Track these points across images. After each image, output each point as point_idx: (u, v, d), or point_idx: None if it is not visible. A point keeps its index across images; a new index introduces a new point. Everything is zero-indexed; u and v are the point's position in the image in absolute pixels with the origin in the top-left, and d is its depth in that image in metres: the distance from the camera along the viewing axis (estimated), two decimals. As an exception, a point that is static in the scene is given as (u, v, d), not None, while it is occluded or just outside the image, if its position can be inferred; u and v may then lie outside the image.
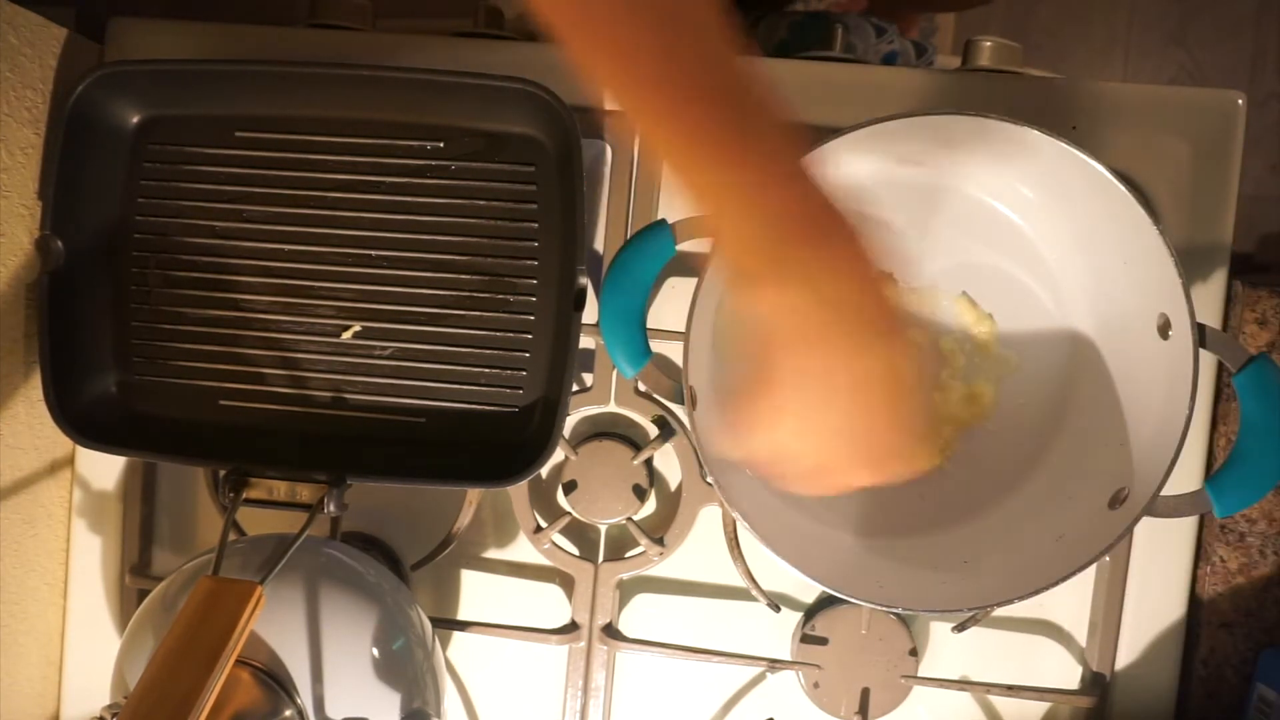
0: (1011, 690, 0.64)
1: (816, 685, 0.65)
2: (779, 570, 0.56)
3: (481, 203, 0.63)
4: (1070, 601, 0.65)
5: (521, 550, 0.68)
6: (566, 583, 0.67)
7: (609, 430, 0.67)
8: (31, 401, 0.66)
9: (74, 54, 0.67)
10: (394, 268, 0.64)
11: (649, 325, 0.58)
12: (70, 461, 0.70)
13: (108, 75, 0.61)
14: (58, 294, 0.62)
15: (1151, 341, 0.56)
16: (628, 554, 0.67)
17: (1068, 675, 0.66)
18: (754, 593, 0.65)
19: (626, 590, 0.68)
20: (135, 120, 0.64)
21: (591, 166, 0.65)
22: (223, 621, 0.49)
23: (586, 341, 0.64)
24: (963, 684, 0.65)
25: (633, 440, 0.66)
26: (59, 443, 0.69)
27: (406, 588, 0.61)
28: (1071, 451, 0.61)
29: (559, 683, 0.67)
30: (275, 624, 0.53)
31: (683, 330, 0.56)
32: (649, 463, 0.66)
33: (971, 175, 0.60)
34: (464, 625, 0.67)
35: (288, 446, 0.64)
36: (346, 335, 0.64)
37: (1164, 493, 0.53)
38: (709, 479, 0.61)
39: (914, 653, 0.64)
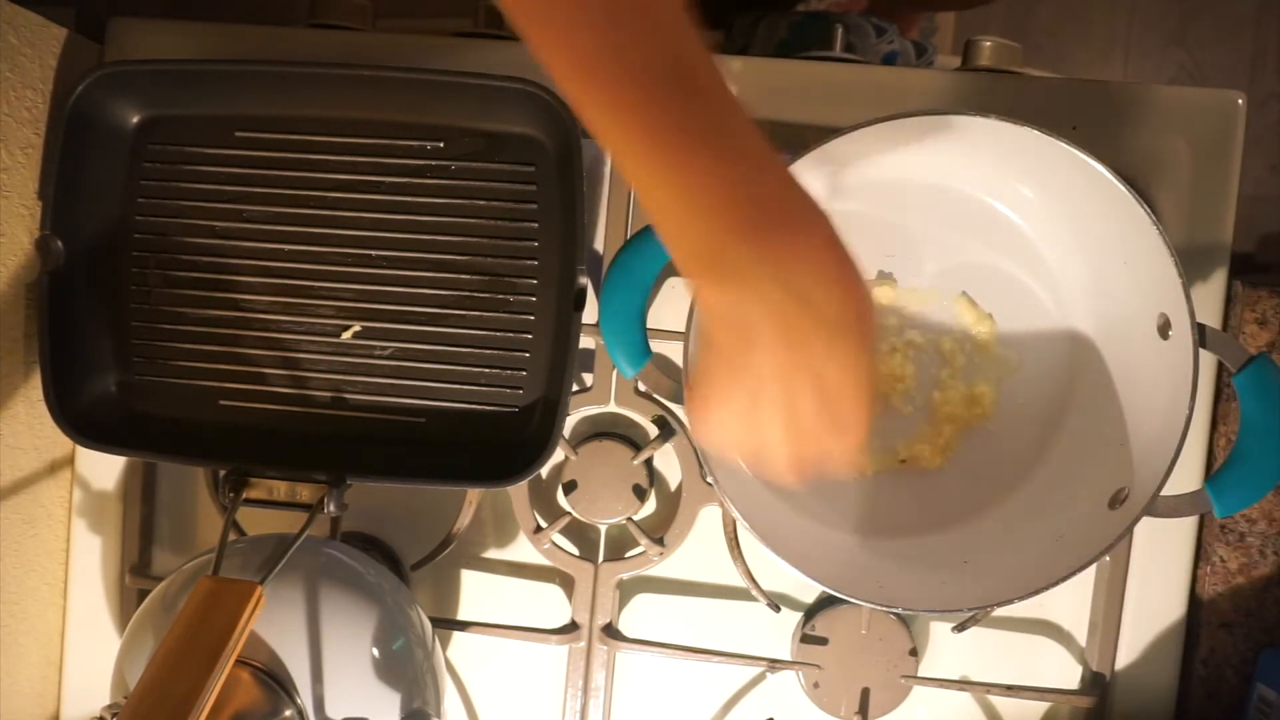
0: (1011, 690, 0.64)
1: (816, 685, 0.65)
2: (779, 570, 0.56)
3: (481, 203, 0.63)
4: (1070, 601, 0.65)
5: (521, 550, 0.68)
6: (566, 583, 0.67)
7: (609, 430, 0.67)
8: (31, 401, 0.66)
9: (74, 54, 0.67)
10: (394, 268, 0.64)
11: (649, 325, 0.58)
12: (70, 461, 0.70)
13: (108, 75, 0.61)
14: (58, 294, 0.62)
15: (1151, 341, 0.56)
16: (628, 554, 0.67)
17: (1068, 675, 0.66)
18: (754, 593, 0.65)
19: (626, 590, 0.68)
20: (135, 120, 0.64)
21: (591, 166, 0.65)
22: (223, 621, 0.49)
23: (586, 341, 0.64)
24: (963, 684, 0.65)
25: (633, 440, 0.66)
26: (59, 443, 0.69)
27: (406, 588, 0.61)
28: (1071, 451, 0.61)
29: (559, 683, 0.67)
30: (275, 624, 0.53)
31: (683, 330, 0.56)
32: (649, 463, 0.66)
33: (971, 175, 0.60)
34: (464, 625, 0.67)
35: (288, 446, 0.64)
36: (346, 335, 0.64)
37: (1164, 493, 0.53)
38: (709, 479, 0.61)
39: (914, 653, 0.64)
